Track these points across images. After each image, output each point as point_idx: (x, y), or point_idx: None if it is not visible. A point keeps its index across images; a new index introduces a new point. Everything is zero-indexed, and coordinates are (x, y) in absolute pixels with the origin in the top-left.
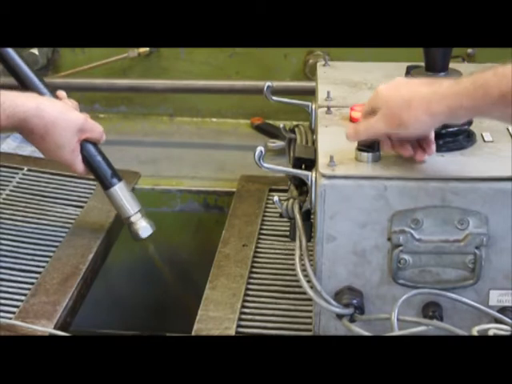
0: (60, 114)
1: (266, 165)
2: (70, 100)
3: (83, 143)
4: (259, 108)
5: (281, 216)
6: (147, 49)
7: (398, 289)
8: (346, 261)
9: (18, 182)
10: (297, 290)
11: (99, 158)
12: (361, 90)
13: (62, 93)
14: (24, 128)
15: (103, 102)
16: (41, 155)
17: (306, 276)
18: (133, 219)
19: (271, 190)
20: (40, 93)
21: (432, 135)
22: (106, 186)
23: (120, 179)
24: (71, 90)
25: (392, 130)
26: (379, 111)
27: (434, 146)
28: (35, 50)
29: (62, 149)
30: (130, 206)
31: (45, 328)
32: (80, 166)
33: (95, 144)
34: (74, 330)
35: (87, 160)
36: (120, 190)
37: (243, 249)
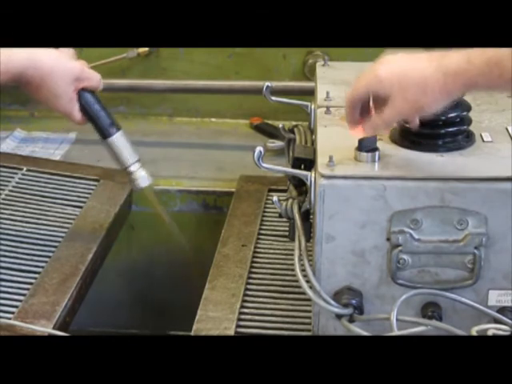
0: (55, 64)
1: (265, 165)
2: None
3: (81, 92)
4: (258, 108)
5: (280, 216)
6: (146, 49)
7: (397, 289)
8: (345, 261)
9: (17, 182)
10: (296, 290)
11: (97, 107)
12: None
13: None
14: (20, 81)
15: (102, 102)
16: (40, 155)
17: (305, 276)
18: (131, 169)
19: (270, 190)
20: None
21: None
22: (104, 135)
23: (119, 128)
24: None
25: (410, 116)
26: (390, 99)
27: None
28: None
29: (59, 98)
30: (129, 156)
31: (44, 328)
32: (78, 115)
33: (93, 92)
34: (73, 329)
35: (85, 109)
36: (118, 139)
37: (242, 249)
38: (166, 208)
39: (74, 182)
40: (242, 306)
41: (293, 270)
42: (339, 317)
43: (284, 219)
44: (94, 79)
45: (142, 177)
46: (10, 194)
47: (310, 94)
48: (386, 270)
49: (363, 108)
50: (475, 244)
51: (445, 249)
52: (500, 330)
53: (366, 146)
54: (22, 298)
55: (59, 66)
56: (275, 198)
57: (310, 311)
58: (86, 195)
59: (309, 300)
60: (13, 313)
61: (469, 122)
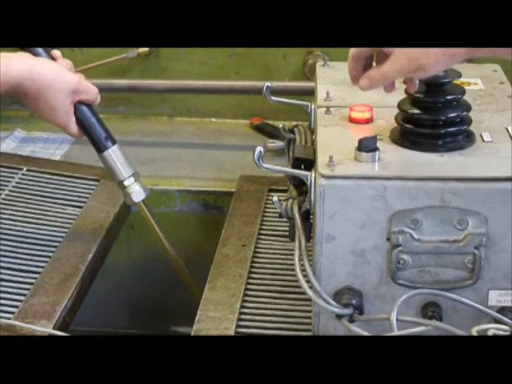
0: (53, 76)
1: (265, 165)
2: (65, 60)
3: (77, 105)
4: (258, 108)
5: (280, 216)
6: (146, 49)
7: (397, 289)
8: (346, 261)
9: (17, 182)
10: (296, 290)
11: (93, 120)
12: (360, 89)
13: (57, 52)
14: (18, 92)
15: (102, 102)
16: (40, 155)
17: (305, 276)
18: (126, 183)
19: (270, 190)
20: (35, 53)
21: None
22: (99, 148)
23: (114, 142)
24: None
25: (409, 74)
26: (392, 55)
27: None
28: None
29: (56, 111)
30: (124, 170)
31: (44, 328)
32: (74, 128)
33: (90, 106)
34: (73, 329)
35: (81, 122)
36: (114, 153)
37: (242, 249)
38: (165, 208)
39: (74, 182)
40: (242, 306)
41: (293, 270)
42: (339, 317)
43: (284, 219)
44: (92, 93)
45: (136, 191)
46: (10, 194)
47: (310, 93)
48: (386, 270)
49: (367, 65)
50: (475, 244)
51: (445, 249)
52: (500, 329)
53: (366, 146)
54: (22, 298)
55: (57, 78)
56: (275, 198)
57: (310, 311)
58: (86, 195)
59: (309, 300)
60: (13, 313)
61: (469, 121)
